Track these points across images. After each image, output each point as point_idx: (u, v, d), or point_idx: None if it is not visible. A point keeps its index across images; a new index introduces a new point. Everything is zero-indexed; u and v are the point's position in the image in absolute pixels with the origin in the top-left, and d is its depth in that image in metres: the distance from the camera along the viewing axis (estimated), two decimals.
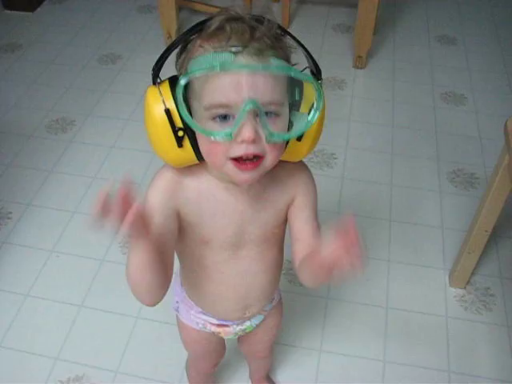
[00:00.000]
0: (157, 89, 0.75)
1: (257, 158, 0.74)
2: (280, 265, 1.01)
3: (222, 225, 0.88)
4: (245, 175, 0.75)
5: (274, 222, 0.91)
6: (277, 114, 0.74)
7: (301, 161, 0.89)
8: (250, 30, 0.71)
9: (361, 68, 2.52)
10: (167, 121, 0.75)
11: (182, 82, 0.71)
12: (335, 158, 2.07)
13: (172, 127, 0.75)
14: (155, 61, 0.76)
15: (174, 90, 0.74)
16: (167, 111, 0.75)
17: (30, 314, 1.61)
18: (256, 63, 0.70)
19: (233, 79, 0.70)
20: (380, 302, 1.63)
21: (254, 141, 0.71)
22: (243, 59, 0.70)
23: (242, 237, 0.90)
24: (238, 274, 0.95)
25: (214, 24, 0.72)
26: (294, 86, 0.77)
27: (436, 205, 1.92)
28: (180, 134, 0.76)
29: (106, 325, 1.58)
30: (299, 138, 0.80)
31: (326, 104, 0.79)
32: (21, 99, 2.37)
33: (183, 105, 0.72)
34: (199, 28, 0.74)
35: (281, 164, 0.84)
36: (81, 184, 1.99)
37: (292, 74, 0.72)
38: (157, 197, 0.84)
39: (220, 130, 0.71)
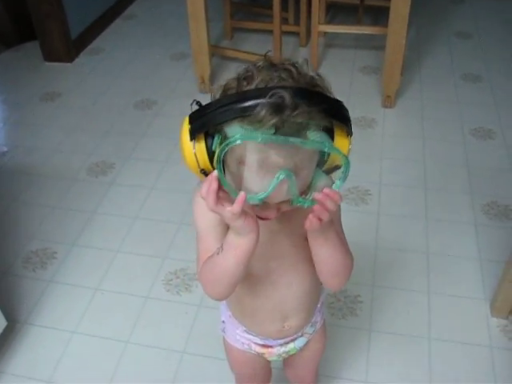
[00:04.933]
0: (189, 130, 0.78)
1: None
2: (316, 278, 1.02)
3: None
4: (266, 218, 0.83)
5: (301, 230, 0.90)
6: (297, 174, 0.76)
7: None
8: (291, 108, 0.71)
9: (390, 107, 2.58)
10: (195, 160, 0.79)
11: (220, 152, 0.73)
12: (370, 194, 2.11)
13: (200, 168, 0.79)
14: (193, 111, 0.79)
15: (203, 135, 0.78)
16: (195, 155, 0.78)
17: (78, 350, 1.65)
18: (294, 138, 0.72)
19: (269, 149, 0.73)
20: (422, 333, 1.64)
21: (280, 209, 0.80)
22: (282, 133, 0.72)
23: (273, 247, 0.93)
24: (271, 284, 0.98)
25: (258, 112, 0.72)
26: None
27: (472, 237, 1.94)
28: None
29: (152, 360, 1.61)
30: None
31: (359, 142, 0.83)
32: (62, 144, 2.47)
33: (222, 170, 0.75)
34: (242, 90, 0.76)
35: None
36: (123, 224, 2.05)
37: (326, 149, 0.76)
38: (206, 220, 0.89)
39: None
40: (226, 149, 0.73)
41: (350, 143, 0.79)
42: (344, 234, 0.96)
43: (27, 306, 1.77)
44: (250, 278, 0.97)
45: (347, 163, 0.77)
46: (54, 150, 2.44)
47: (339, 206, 0.92)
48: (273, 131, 0.71)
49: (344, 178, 0.79)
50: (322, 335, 1.18)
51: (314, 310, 1.09)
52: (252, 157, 0.74)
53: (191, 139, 0.78)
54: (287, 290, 1.00)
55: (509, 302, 1.63)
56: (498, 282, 1.66)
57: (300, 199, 0.77)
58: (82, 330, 1.70)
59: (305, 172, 0.77)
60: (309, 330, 1.11)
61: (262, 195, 0.74)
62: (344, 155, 0.77)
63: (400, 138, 2.43)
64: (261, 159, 0.73)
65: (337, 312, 1.69)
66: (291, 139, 0.71)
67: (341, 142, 0.79)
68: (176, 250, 1.94)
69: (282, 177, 0.73)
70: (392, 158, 2.30)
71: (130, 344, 1.65)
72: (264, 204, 0.78)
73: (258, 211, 0.81)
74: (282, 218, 0.89)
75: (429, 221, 2.00)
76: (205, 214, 0.87)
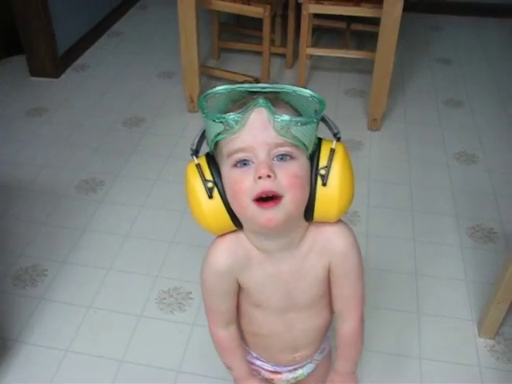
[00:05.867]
0: (194, 163, 0.85)
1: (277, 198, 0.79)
2: (330, 319, 1.07)
3: (270, 292, 0.95)
4: (268, 214, 0.79)
5: (316, 287, 0.96)
6: (291, 157, 0.80)
7: (342, 226, 0.93)
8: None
9: (376, 130, 2.64)
10: (201, 183, 0.84)
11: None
12: (358, 216, 2.15)
13: (203, 180, 0.84)
14: (195, 142, 0.88)
15: (210, 163, 0.85)
16: (198, 165, 0.84)
17: (71, 369, 1.63)
18: (268, 87, 0.81)
19: (246, 127, 0.79)
20: (413, 352, 1.68)
21: (270, 176, 0.77)
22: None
23: (290, 302, 0.96)
24: (287, 330, 1.01)
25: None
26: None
27: (458, 259, 1.99)
28: (210, 185, 0.84)
29: (147, 379, 1.61)
30: (324, 183, 0.83)
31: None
32: (50, 160, 2.46)
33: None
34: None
35: (321, 230, 0.90)
36: (114, 242, 2.05)
37: (294, 91, 0.81)
38: (215, 282, 0.94)
39: (242, 175, 0.80)
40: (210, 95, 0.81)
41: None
42: (362, 287, 0.99)
43: (18, 323, 1.76)
44: (267, 326, 1.00)
45: (320, 101, 0.81)
46: (43, 166, 2.43)
47: (355, 259, 0.95)
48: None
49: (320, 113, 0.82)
50: (328, 360, 1.20)
51: (324, 338, 1.12)
52: (234, 137, 0.80)
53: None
54: (302, 332, 1.02)
55: (496, 322, 1.68)
56: (486, 303, 1.70)
57: (285, 118, 0.78)
58: (75, 348, 1.69)
59: (288, 149, 0.80)
60: (318, 356, 1.13)
61: (240, 114, 0.78)
62: (313, 95, 0.81)
63: (386, 161, 2.49)
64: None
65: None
66: (266, 88, 0.80)
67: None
68: (168, 268, 1.94)
69: (260, 101, 0.78)
70: (379, 181, 2.35)
71: (125, 363, 1.65)
72: (256, 184, 0.79)
73: (259, 211, 0.80)
74: (295, 273, 0.92)
75: (416, 242, 2.05)
76: (217, 280, 0.94)
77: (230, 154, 0.81)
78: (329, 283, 0.97)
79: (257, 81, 0.86)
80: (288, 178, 0.79)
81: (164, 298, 1.84)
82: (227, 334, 1.01)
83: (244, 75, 2.82)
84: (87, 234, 2.09)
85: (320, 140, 0.85)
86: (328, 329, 1.10)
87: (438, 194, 2.29)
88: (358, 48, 3.34)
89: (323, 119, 0.86)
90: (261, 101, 0.78)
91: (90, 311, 1.81)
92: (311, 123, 0.80)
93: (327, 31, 3.51)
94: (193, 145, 0.87)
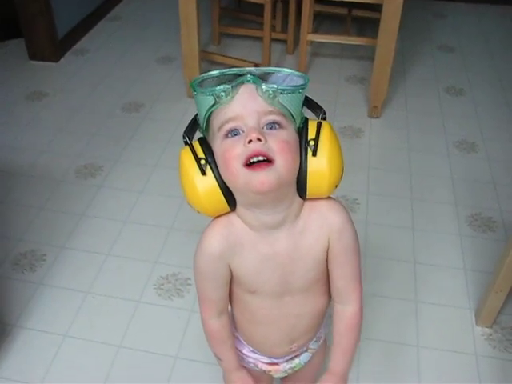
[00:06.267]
0: (188, 148, 0.86)
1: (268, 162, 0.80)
2: (326, 305, 1.05)
3: (266, 277, 0.94)
4: (260, 176, 0.79)
5: (314, 269, 0.95)
6: (280, 126, 0.82)
7: (335, 202, 0.93)
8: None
9: (376, 117, 2.63)
10: (194, 160, 0.84)
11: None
12: (358, 204, 2.15)
13: (195, 158, 0.84)
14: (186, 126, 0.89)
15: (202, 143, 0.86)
16: (190, 146, 0.85)
17: (70, 354, 1.64)
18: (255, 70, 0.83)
19: (236, 98, 0.81)
20: (411, 341, 1.68)
21: (260, 140, 0.78)
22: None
23: (286, 286, 0.95)
24: (282, 316, 1.00)
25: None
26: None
27: (457, 247, 1.99)
28: (203, 162, 0.84)
29: (145, 365, 1.61)
30: (314, 153, 0.84)
31: (346, 152, 0.88)
32: (49, 145, 2.45)
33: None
34: None
35: (314, 207, 0.90)
36: (112, 227, 2.05)
37: (281, 71, 0.83)
38: (208, 266, 0.95)
39: (232, 144, 0.80)
40: (203, 79, 0.83)
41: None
42: (355, 262, 0.97)
43: (17, 308, 1.76)
44: (262, 312, 1.00)
45: (303, 77, 0.84)
46: (42, 150, 2.42)
47: (352, 236, 0.95)
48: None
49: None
50: (323, 348, 1.20)
51: (320, 326, 1.12)
52: (224, 109, 0.82)
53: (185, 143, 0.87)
54: (298, 320, 1.02)
55: (494, 311, 1.69)
56: (485, 292, 1.71)
57: (272, 86, 0.80)
58: (74, 333, 1.70)
59: (276, 117, 0.82)
60: (313, 345, 1.13)
61: (229, 86, 0.80)
62: (296, 72, 0.84)
63: (386, 149, 2.48)
64: (230, 106, 0.81)
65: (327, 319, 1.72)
66: (253, 71, 0.82)
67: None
68: (167, 254, 1.94)
69: (248, 76, 0.80)
70: (379, 168, 2.35)
71: (123, 348, 1.65)
72: (246, 148, 0.79)
73: (252, 175, 0.80)
74: (292, 254, 0.92)
75: (415, 230, 2.05)
76: (210, 264, 0.94)
77: (220, 126, 0.82)
78: (326, 266, 0.96)
79: (257, 66, 0.86)
80: (278, 143, 0.80)
81: (162, 284, 1.84)
82: (219, 324, 1.01)
83: (244, 61, 2.80)
84: (86, 219, 2.09)
85: (307, 119, 0.87)
86: (323, 316, 1.10)
87: (438, 182, 2.29)
88: (359, 34, 3.32)
89: (308, 104, 0.88)
90: (248, 76, 0.80)
91: (88, 296, 1.81)
92: (296, 92, 0.82)
93: (328, 17, 3.49)
94: (185, 132, 0.88)
